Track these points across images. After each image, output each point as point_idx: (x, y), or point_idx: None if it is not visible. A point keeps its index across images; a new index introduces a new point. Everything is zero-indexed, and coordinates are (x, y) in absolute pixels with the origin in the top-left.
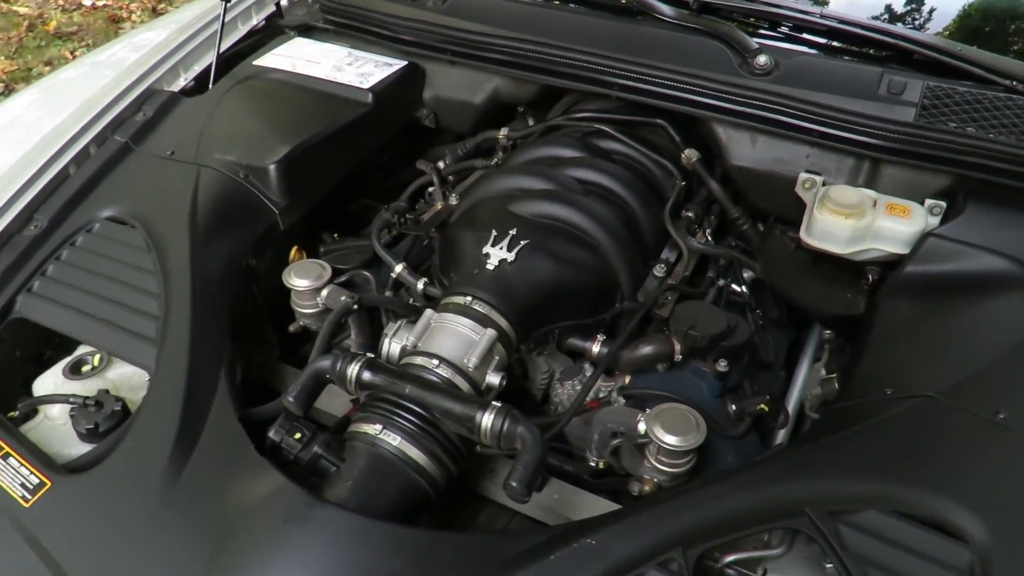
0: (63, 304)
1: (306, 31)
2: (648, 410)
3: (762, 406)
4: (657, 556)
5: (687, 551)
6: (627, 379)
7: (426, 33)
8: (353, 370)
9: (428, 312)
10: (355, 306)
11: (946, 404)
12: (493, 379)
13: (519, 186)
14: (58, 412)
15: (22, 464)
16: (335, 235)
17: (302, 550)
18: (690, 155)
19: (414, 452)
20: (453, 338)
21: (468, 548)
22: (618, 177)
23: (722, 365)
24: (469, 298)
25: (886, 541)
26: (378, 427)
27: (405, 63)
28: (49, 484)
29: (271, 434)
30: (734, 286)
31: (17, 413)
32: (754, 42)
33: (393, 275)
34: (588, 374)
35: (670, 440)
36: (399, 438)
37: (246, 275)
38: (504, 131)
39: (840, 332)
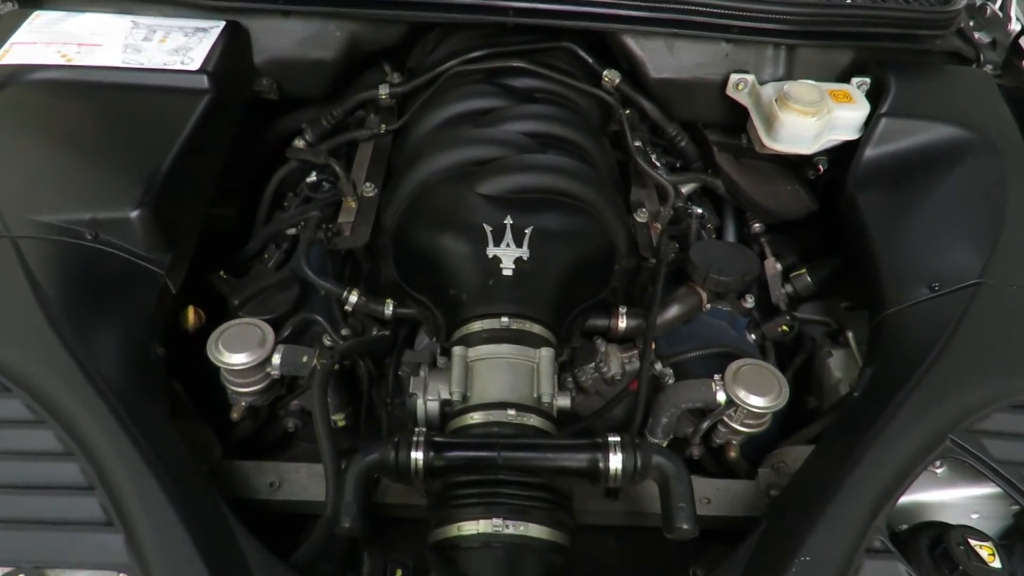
0: None
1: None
2: (717, 377)
3: (783, 327)
4: (861, 542)
5: (876, 523)
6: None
7: None
8: (419, 457)
9: (458, 350)
10: (337, 365)
11: (999, 286)
12: (564, 402)
13: (466, 158)
14: None
15: None
16: (222, 273)
17: None
18: (612, 77)
19: (544, 532)
20: (508, 373)
21: None
22: (564, 121)
23: (749, 301)
24: (505, 319)
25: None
26: (498, 521)
27: (221, 23)
28: None
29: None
30: (699, 209)
31: None
32: None
33: (348, 307)
34: (604, 351)
35: (759, 402)
36: (522, 523)
37: (156, 374)
38: (384, 88)
39: (787, 230)
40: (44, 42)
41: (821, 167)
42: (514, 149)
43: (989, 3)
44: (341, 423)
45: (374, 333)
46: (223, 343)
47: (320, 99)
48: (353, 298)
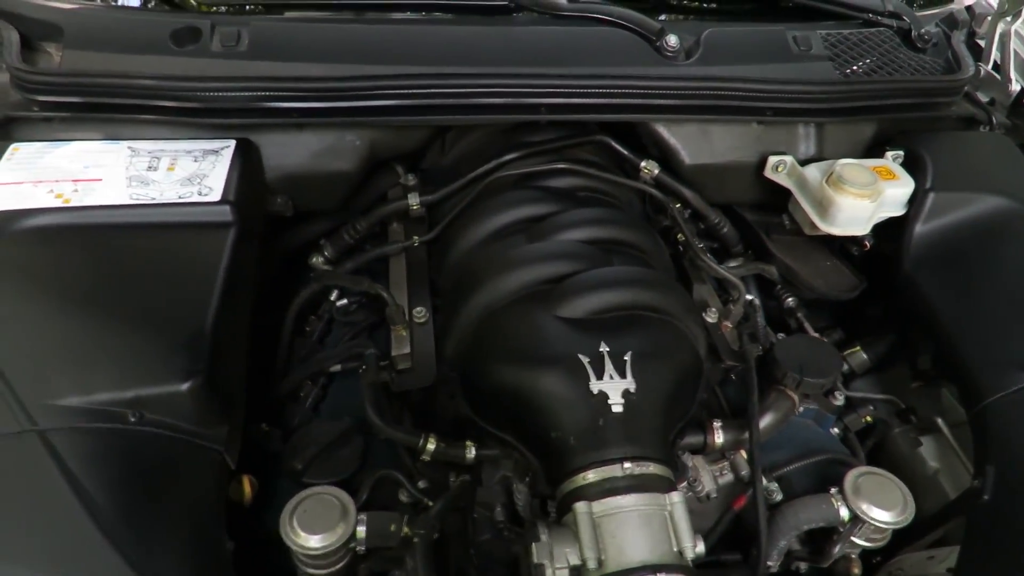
0: None
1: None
2: (834, 490)
3: (867, 418)
4: None
5: None
6: (743, 455)
7: (246, 95)
8: None
9: (582, 508)
10: (437, 534)
11: None
12: (701, 548)
13: (534, 278)
14: None
15: None
16: (263, 426)
17: None
18: (651, 168)
19: None
20: (643, 529)
21: None
22: (621, 223)
23: (838, 399)
24: (627, 464)
25: None
26: None
27: (231, 143)
28: None
29: None
30: (751, 297)
31: None
32: (652, 20)
33: (426, 457)
34: (691, 466)
35: (887, 518)
36: None
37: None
38: (415, 198)
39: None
40: (31, 181)
41: (867, 243)
42: (582, 262)
43: (981, 64)
44: None
45: (451, 480)
46: (299, 523)
47: (334, 211)
48: (431, 446)
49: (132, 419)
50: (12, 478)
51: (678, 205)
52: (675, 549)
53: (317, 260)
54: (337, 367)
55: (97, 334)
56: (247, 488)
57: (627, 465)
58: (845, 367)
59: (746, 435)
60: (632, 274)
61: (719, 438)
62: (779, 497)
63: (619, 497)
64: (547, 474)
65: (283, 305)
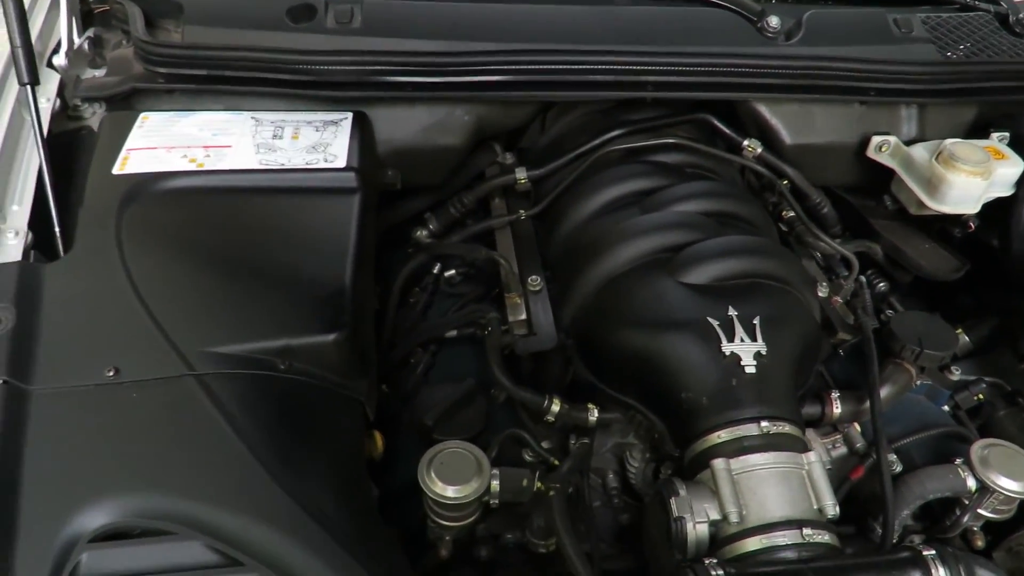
0: None
1: (123, 100)
2: (958, 461)
3: (979, 396)
4: None
5: None
6: (856, 428)
7: (363, 69)
8: None
9: (720, 465)
10: (572, 488)
11: None
12: (836, 511)
13: (654, 246)
14: None
15: None
16: (383, 387)
17: None
18: (753, 146)
19: None
20: (783, 486)
21: None
22: (733, 196)
23: (955, 373)
24: (764, 423)
25: None
26: None
27: (348, 114)
28: None
29: None
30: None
31: None
32: (753, 2)
33: (550, 417)
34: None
35: (1016, 487)
36: None
37: (376, 521)
38: (522, 172)
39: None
40: (165, 146)
41: (972, 224)
42: (700, 232)
43: None
44: (551, 549)
45: (571, 443)
46: (436, 473)
47: (437, 186)
48: (555, 408)
49: (282, 367)
50: (174, 418)
51: (785, 182)
52: (815, 507)
53: (421, 233)
54: (453, 333)
55: (243, 289)
56: (379, 443)
57: (763, 424)
58: None
59: (863, 407)
60: (754, 243)
61: (837, 409)
62: (898, 468)
63: (756, 455)
64: (674, 435)
65: (385, 279)
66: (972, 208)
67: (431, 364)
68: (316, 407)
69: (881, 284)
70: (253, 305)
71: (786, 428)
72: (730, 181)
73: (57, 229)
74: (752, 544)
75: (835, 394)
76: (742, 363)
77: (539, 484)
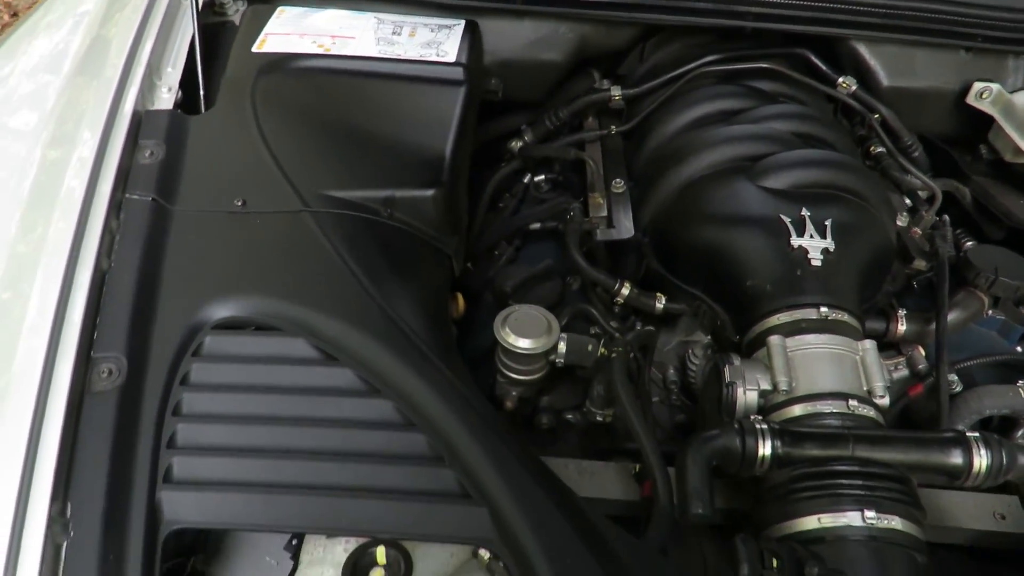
0: (254, 484)
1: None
2: (1021, 383)
3: None
4: None
5: None
6: (921, 351)
7: None
8: (767, 446)
9: (776, 340)
10: (633, 354)
11: None
12: (885, 401)
13: (738, 154)
14: None
15: None
16: (468, 264)
17: None
18: (848, 83)
19: (911, 528)
20: (835, 364)
21: None
22: (820, 121)
23: None
24: (824, 308)
25: None
26: (870, 515)
27: (460, 21)
28: None
29: (745, 573)
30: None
31: None
32: None
33: (619, 299)
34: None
35: None
36: (893, 517)
37: (455, 351)
38: (617, 90)
39: None
40: (297, 33)
41: None
42: (783, 146)
43: None
44: (609, 419)
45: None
46: (511, 327)
47: (536, 103)
48: (625, 291)
49: (384, 214)
50: (289, 243)
51: (876, 116)
52: (864, 388)
53: (516, 144)
54: (536, 225)
55: (356, 148)
56: (460, 303)
57: (823, 309)
58: None
59: (928, 327)
60: (836, 157)
61: (902, 326)
62: (959, 389)
63: (812, 335)
64: (736, 323)
65: (478, 192)
66: None
67: (514, 257)
68: (410, 252)
69: (969, 243)
70: (364, 161)
71: (844, 317)
72: (819, 108)
73: (202, 91)
74: (798, 410)
75: (902, 312)
76: (809, 256)
77: (602, 350)
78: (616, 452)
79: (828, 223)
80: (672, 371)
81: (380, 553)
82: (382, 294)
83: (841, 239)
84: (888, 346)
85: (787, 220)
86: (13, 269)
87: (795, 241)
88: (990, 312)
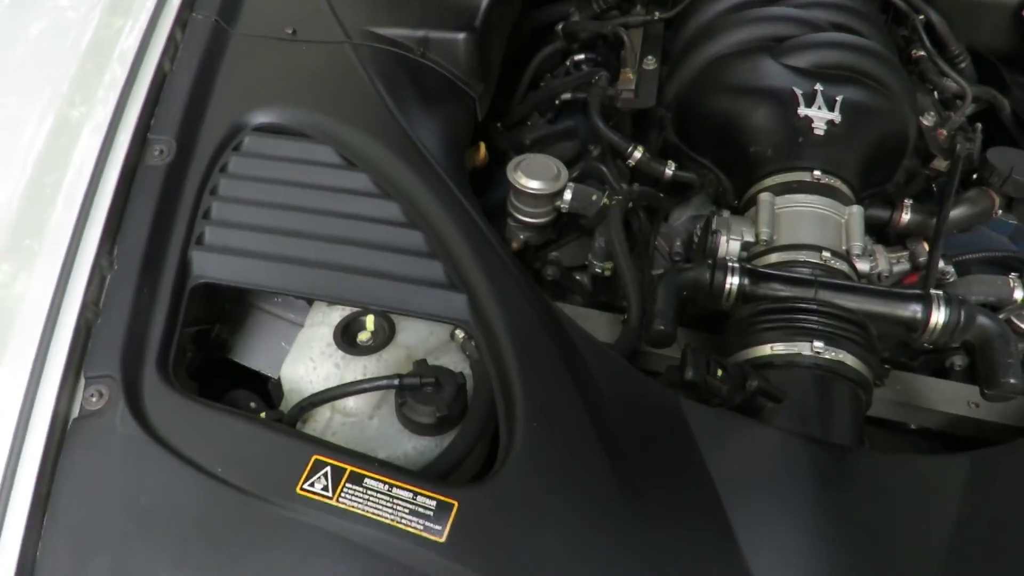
0: (270, 256)
1: None
2: (1013, 275)
3: None
4: None
5: None
6: (924, 246)
7: None
8: (734, 282)
9: (765, 196)
10: (631, 203)
11: None
12: (865, 266)
13: (766, 34)
14: (358, 403)
15: (394, 485)
16: (498, 124)
17: (845, 505)
18: None
19: (859, 364)
20: (817, 224)
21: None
22: (858, 13)
23: None
24: (817, 172)
25: None
26: (818, 344)
27: None
28: (456, 505)
29: (689, 375)
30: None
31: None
32: None
33: (631, 162)
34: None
35: None
36: (840, 352)
37: (467, 181)
38: None
39: None
40: None
41: None
42: (813, 29)
43: None
44: (608, 272)
45: None
46: (522, 170)
47: None
48: (637, 154)
49: (417, 52)
50: (329, 68)
51: (921, 17)
52: (843, 247)
53: (561, 26)
54: (567, 95)
55: None
56: (482, 151)
57: (816, 173)
58: None
59: (933, 221)
60: (862, 43)
61: (906, 215)
62: (953, 279)
63: (802, 195)
64: (737, 188)
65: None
66: None
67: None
68: (437, 88)
69: None
70: (404, 4)
71: (837, 183)
72: (868, 7)
73: None
74: (774, 258)
75: (908, 201)
76: (813, 125)
77: (605, 200)
78: (615, 308)
79: (839, 99)
80: (679, 243)
81: (369, 320)
82: (405, 118)
83: (849, 116)
84: (895, 240)
85: (799, 92)
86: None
87: (802, 111)
88: (1000, 212)
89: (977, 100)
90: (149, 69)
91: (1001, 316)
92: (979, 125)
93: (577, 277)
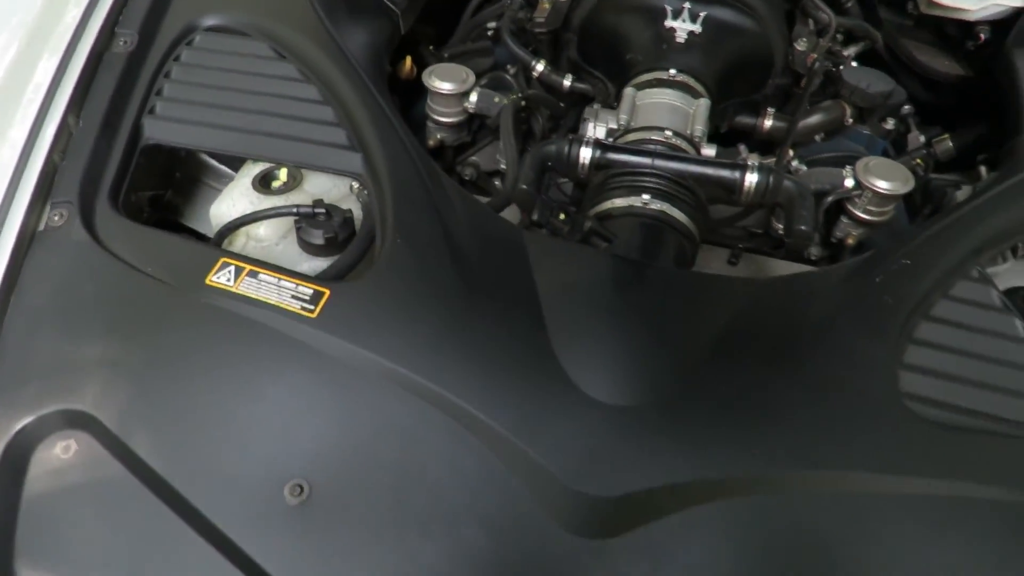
0: (208, 124)
1: None
2: (848, 167)
3: (918, 160)
4: (960, 269)
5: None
6: (789, 153)
7: None
8: (587, 153)
9: (628, 90)
10: (523, 102)
11: None
12: (709, 151)
13: None
14: (267, 231)
15: (282, 279)
16: (431, 48)
17: (656, 313)
18: None
19: (683, 217)
20: (668, 111)
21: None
22: None
23: (889, 124)
24: (672, 71)
25: None
26: (645, 197)
27: None
28: (328, 294)
29: (535, 217)
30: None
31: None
32: None
33: (535, 73)
34: (744, 154)
35: (885, 185)
36: (666, 204)
37: (384, 81)
38: None
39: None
40: None
41: (983, 35)
42: None
43: None
44: None
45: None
46: (435, 74)
47: None
48: (540, 67)
49: None
50: None
51: None
52: (688, 131)
53: None
54: (493, 24)
55: None
56: (408, 64)
57: (672, 71)
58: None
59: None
60: None
61: (769, 121)
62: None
63: (659, 89)
64: (617, 91)
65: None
66: (972, 4)
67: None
68: (363, 3)
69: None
70: None
71: (691, 81)
72: None
73: None
74: (629, 138)
75: (771, 110)
76: (675, 35)
77: (505, 100)
78: None
79: (703, 15)
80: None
81: (282, 171)
82: (332, 23)
83: (710, 29)
84: (762, 148)
85: (669, 8)
86: None
87: (668, 23)
88: (851, 121)
89: (849, 31)
90: None
91: (832, 198)
92: (852, 51)
93: (496, 183)
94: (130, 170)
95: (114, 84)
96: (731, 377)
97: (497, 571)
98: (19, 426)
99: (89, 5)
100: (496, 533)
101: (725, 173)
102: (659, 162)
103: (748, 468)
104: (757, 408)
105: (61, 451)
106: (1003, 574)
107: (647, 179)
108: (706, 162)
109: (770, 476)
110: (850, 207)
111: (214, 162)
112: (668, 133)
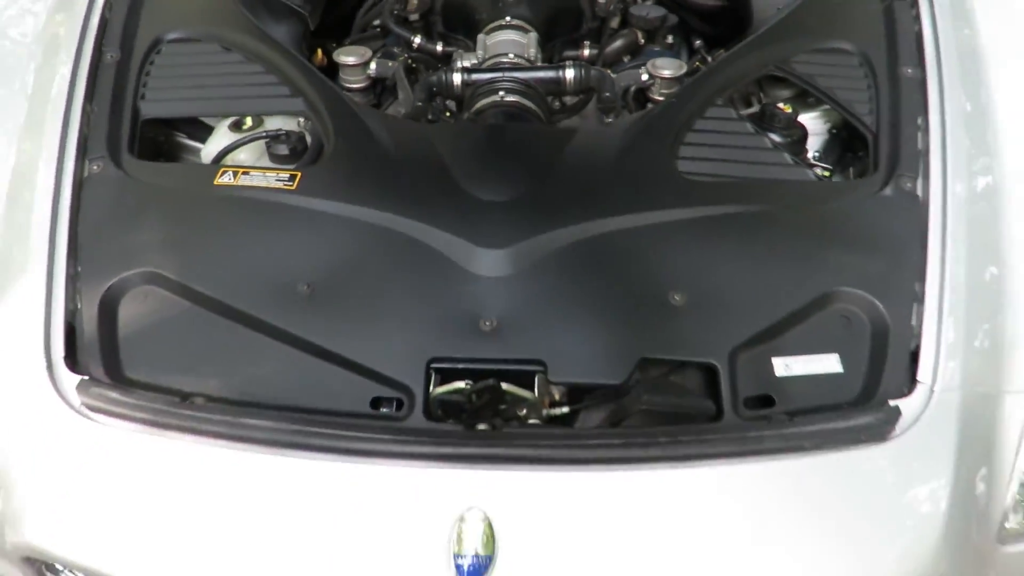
0: (186, 99)
1: None
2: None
3: (697, 64)
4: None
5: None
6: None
7: None
8: (458, 76)
9: (481, 36)
10: (411, 62)
11: None
12: (543, 75)
13: None
14: (246, 155)
15: (264, 172)
16: (333, 44)
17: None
18: None
19: (528, 103)
20: (509, 45)
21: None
22: None
23: (669, 39)
24: (508, 18)
25: None
26: (502, 93)
27: None
28: (300, 174)
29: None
30: None
31: None
32: None
33: (415, 45)
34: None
35: (667, 72)
36: (516, 96)
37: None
38: None
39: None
40: None
41: None
42: None
43: None
44: None
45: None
46: (342, 53)
47: None
48: (417, 39)
49: None
50: (214, 5)
51: None
52: (526, 54)
53: None
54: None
55: None
56: (319, 55)
57: (508, 18)
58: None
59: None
60: None
61: (586, 52)
62: None
63: (502, 32)
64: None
65: None
66: None
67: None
68: (279, 7)
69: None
70: None
71: (524, 24)
72: None
73: None
74: (486, 65)
75: (587, 42)
76: None
77: (397, 63)
78: None
79: None
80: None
81: (248, 119)
82: (259, 22)
83: None
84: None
85: None
86: None
87: None
88: (643, 42)
89: None
90: (97, 11)
91: (634, 87)
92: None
93: None
94: (137, 135)
95: (111, 83)
96: (574, 174)
97: (443, 303)
98: (108, 284)
99: (82, 30)
100: (440, 282)
101: (552, 73)
102: (508, 73)
103: (586, 218)
104: (590, 188)
105: (143, 296)
106: (736, 260)
107: (500, 83)
108: (539, 67)
109: (600, 223)
110: (650, 94)
111: (190, 141)
112: (511, 56)
